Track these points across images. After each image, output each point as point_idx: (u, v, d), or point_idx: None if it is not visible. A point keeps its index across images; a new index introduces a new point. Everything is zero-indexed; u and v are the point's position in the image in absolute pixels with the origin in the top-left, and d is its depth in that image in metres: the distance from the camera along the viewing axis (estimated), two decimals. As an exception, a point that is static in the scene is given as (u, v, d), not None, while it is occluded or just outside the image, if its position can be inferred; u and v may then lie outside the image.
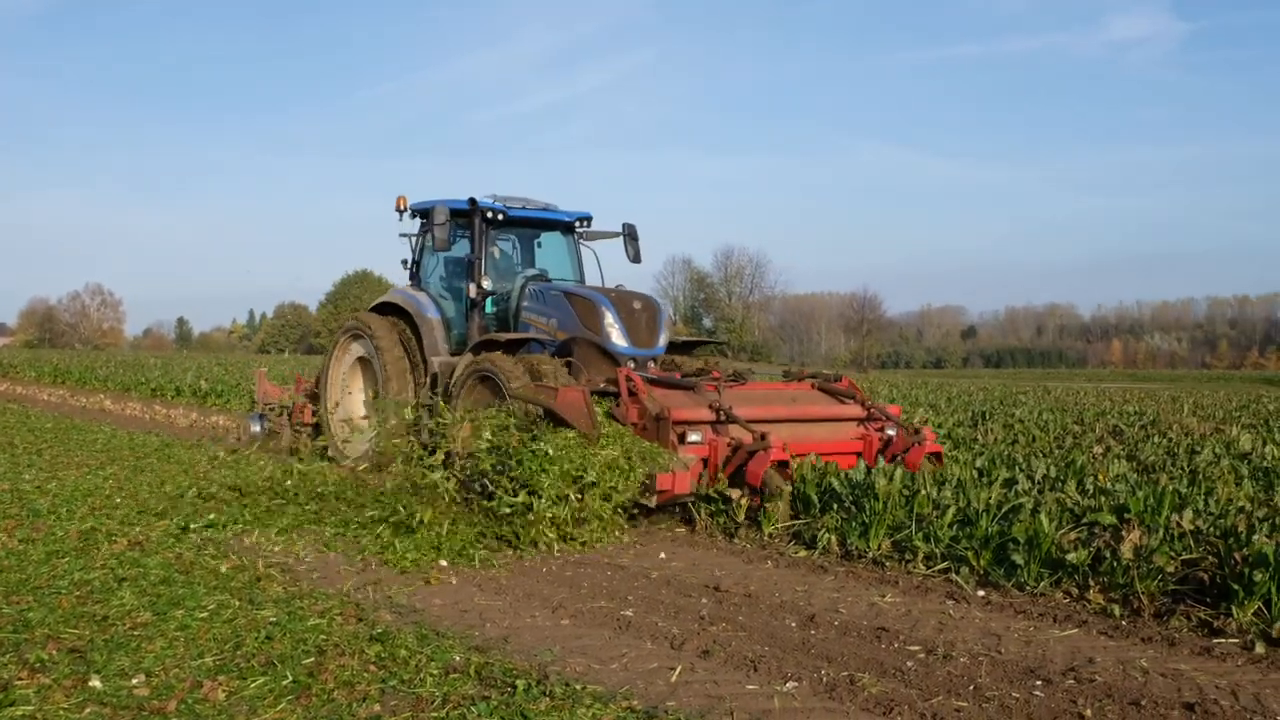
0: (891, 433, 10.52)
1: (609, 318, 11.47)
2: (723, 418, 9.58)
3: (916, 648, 6.05)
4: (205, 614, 6.32)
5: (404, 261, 13.72)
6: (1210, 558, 7.00)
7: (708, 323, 78.35)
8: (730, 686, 5.34)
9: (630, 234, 13.55)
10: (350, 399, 13.76)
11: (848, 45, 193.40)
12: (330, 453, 13.29)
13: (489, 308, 12.76)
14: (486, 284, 12.47)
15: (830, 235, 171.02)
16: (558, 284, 12.35)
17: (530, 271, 12.77)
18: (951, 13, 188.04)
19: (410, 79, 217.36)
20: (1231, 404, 28.87)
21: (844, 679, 5.47)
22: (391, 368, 12.71)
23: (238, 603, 6.60)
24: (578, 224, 13.51)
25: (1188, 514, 7.54)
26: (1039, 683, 5.45)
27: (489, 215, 12.48)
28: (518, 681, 5.19)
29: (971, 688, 5.35)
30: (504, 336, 11.54)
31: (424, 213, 13.34)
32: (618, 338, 11.46)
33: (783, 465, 9.29)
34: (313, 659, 5.52)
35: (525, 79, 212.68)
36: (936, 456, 10.34)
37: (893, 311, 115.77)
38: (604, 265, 13.46)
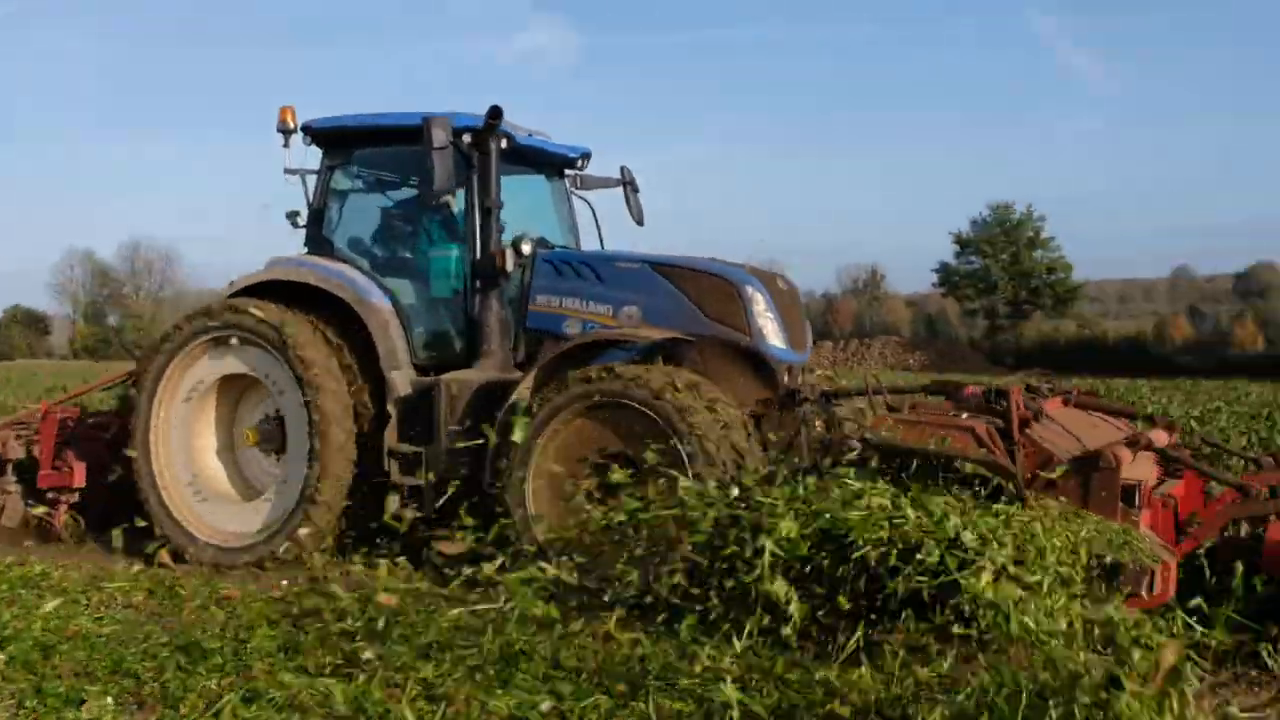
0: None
1: (760, 305, 7.29)
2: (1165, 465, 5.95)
3: None
4: None
5: (291, 215, 8.41)
6: None
7: (113, 320, 70.46)
8: None
9: (631, 183, 9.25)
10: (197, 450, 8.18)
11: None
12: (171, 544, 7.83)
13: (444, 287, 7.96)
14: (525, 247, 7.68)
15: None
16: (624, 253, 7.86)
17: (529, 234, 8.01)
18: None
19: None
20: None
21: None
22: (328, 395, 7.54)
23: None
24: (580, 161, 8.97)
25: None
26: None
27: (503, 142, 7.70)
28: None
29: None
30: (610, 334, 7.12)
31: (336, 135, 8.20)
32: (774, 336, 7.34)
33: None
34: None
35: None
36: None
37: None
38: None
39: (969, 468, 5.32)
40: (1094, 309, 65.73)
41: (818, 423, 7.41)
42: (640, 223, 9.18)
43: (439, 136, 7.27)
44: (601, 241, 8.89)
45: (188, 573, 7.48)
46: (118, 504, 8.33)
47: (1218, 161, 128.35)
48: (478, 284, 7.67)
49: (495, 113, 7.44)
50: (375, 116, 8.05)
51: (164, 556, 7.76)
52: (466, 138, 7.55)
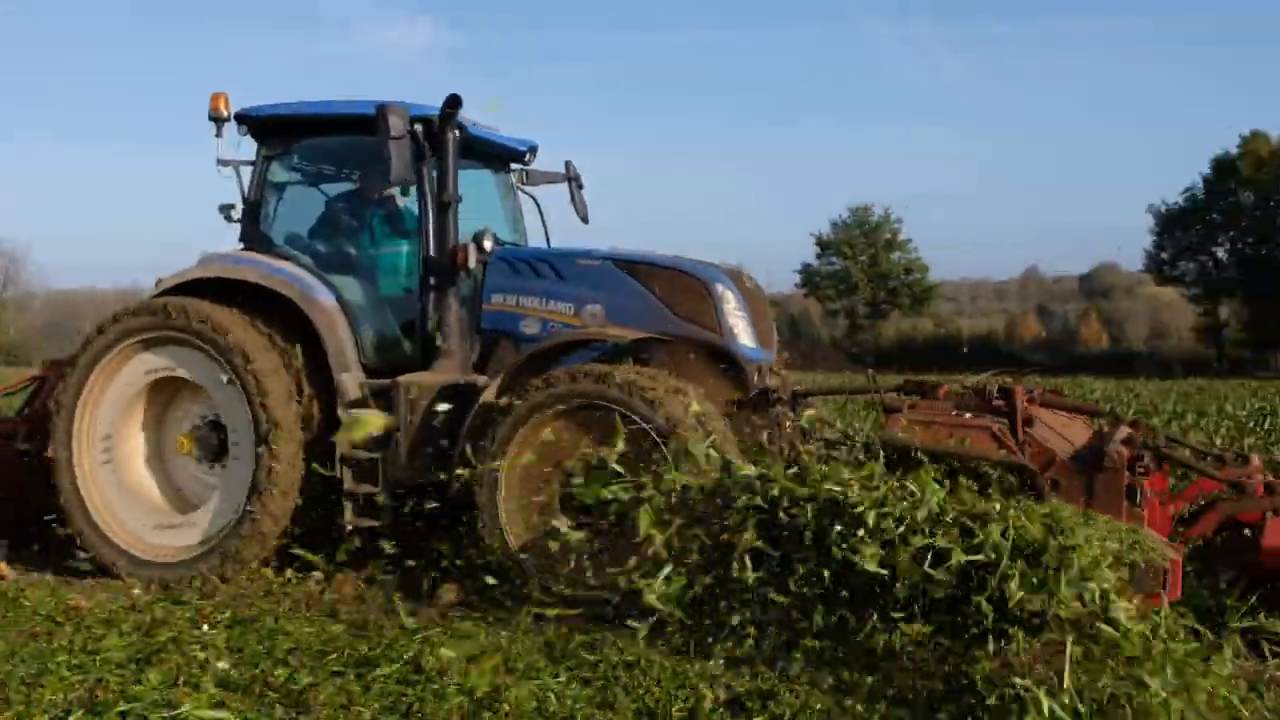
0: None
1: (731, 303, 7.12)
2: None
3: None
4: None
5: (225, 208, 7.89)
6: None
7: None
8: None
9: (576, 179, 8.98)
10: (124, 456, 7.61)
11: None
12: (94, 556, 7.30)
13: (394, 285, 7.64)
14: (488, 243, 7.35)
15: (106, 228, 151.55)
16: (585, 250, 7.56)
17: (489, 229, 7.68)
18: None
19: None
20: None
21: None
22: (278, 404, 7.09)
23: None
24: (527, 155, 8.64)
25: None
26: None
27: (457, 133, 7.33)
28: None
29: None
30: (588, 334, 6.86)
31: (274, 124, 7.75)
32: (745, 335, 7.18)
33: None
34: None
35: None
36: None
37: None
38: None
39: (986, 468, 5.23)
40: (949, 308, 67.73)
41: (788, 423, 7.34)
42: (585, 220, 8.94)
43: (396, 125, 6.89)
44: (548, 239, 8.62)
45: (33, 583, 7.13)
46: (28, 513, 7.76)
47: (1064, 167, 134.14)
48: (433, 281, 7.31)
49: (454, 101, 7.09)
50: (317, 105, 7.61)
51: (3, 569, 7.34)
52: (418, 127, 7.21)
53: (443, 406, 6.96)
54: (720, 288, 7.08)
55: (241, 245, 7.83)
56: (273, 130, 7.75)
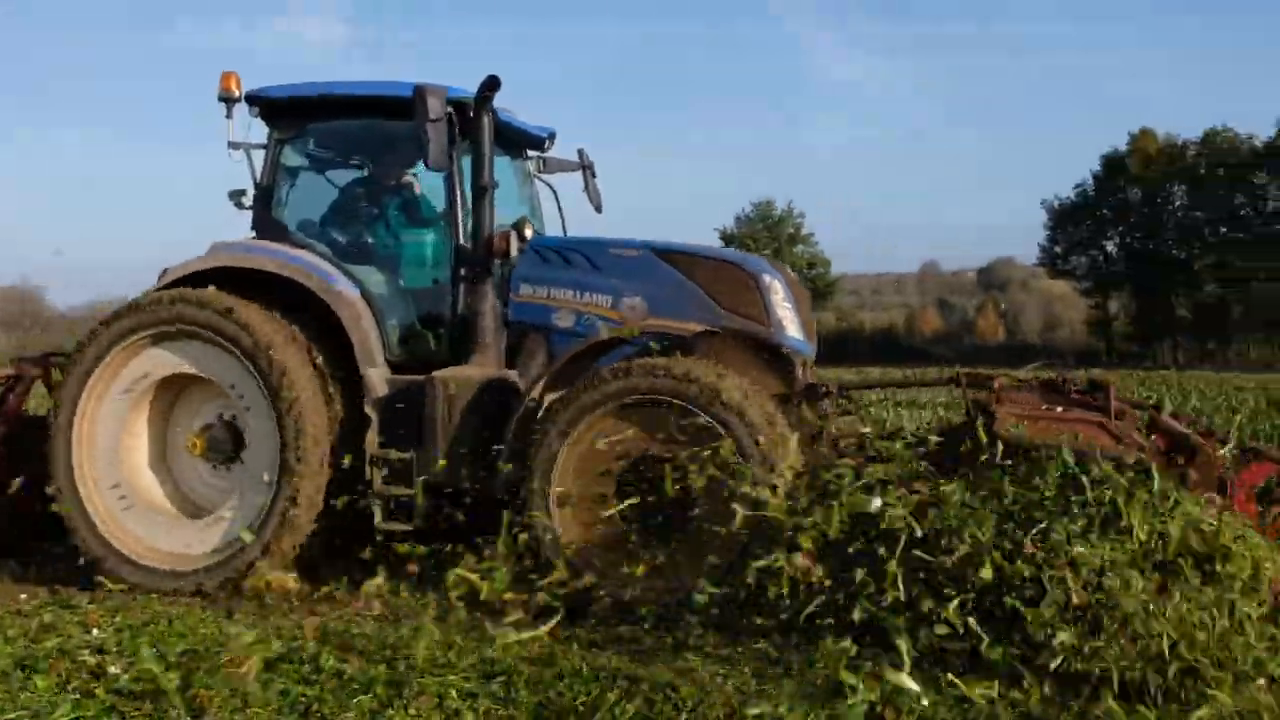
0: None
1: (779, 294, 6.92)
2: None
3: None
4: None
5: (235, 194, 7.42)
6: None
7: None
8: None
9: (590, 167, 8.69)
10: (128, 457, 7.11)
11: None
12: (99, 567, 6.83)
13: (422, 276, 7.31)
14: (529, 231, 7.03)
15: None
16: (621, 239, 7.27)
17: (528, 217, 7.37)
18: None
19: None
20: None
21: None
22: (308, 407, 6.66)
23: None
24: (546, 143, 8.31)
25: None
26: None
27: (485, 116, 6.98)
28: None
29: None
30: (650, 328, 6.59)
31: (289, 105, 7.32)
32: (793, 327, 6.99)
33: None
34: None
35: None
36: None
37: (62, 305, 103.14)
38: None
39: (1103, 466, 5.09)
40: (851, 301, 68.77)
41: (834, 417, 7.18)
42: (599, 209, 8.65)
43: (435, 107, 6.55)
44: (564, 229, 8.32)
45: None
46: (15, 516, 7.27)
47: (962, 165, 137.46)
48: (466, 272, 6.98)
49: (492, 83, 6.77)
50: (338, 86, 7.20)
51: None
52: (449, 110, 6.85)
53: (483, 403, 6.64)
54: (768, 278, 6.88)
55: (253, 233, 7.37)
56: (286, 112, 7.32)
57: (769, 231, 61.87)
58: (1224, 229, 54.51)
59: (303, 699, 4.65)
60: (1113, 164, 57.78)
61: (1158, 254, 55.78)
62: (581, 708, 4.55)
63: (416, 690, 4.68)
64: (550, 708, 4.57)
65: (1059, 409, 5.69)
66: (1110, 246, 58.86)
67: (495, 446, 6.49)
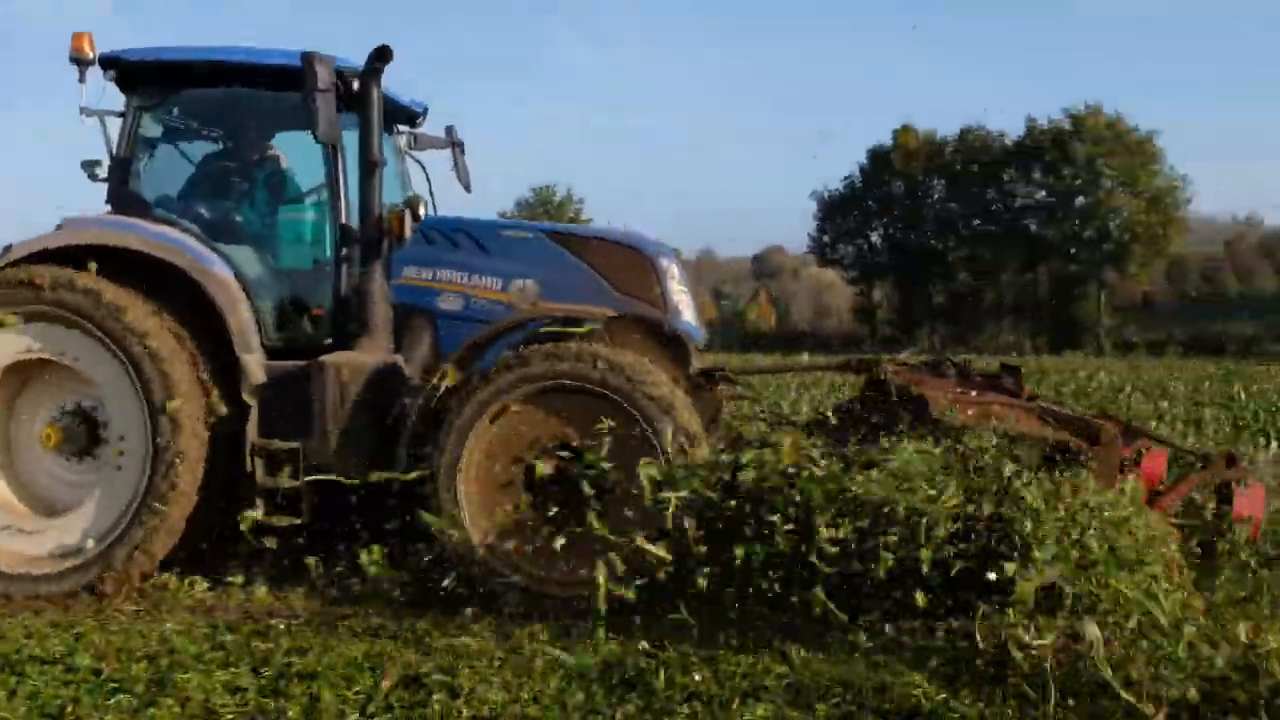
0: None
1: (675, 279, 6.88)
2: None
3: None
4: None
5: (89, 165, 6.79)
6: None
7: None
8: None
9: (460, 144, 8.38)
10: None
11: None
12: None
13: (301, 256, 6.94)
14: (422, 211, 6.72)
15: None
16: (510, 221, 7.06)
17: (419, 195, 7.06)
18: None
19: None
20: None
21: None
22: (182, 397, 6.18)
23: None
24: (420, 118, 7.94)
25: None
26: None
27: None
28: None
29: None
30: (556, 313, 6.38)
31: (150, 70, 6.77)
32: (688, 312, 6.95)
33: None
34: None
35: None
36: None
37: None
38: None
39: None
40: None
41: (727, 402, 7.23)
42: (468, 189, 8.37)
43: (323, 76, 6.20)
44: (434, 208, 8.00)
45: None
46: None
47: (736, 151, 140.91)
48: (350, 252, 6.64)
49: (383, 54, 6.45)
50: (209, 51, 6.71)
51: None
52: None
53: (376, 389, 6.34)
54: (665, 262, 6.84)
55: (109, 208, 6.79)
56: (147, 77, 6.77)
57: (549, 216, 61.80)
58: (977, 222, 57.95)
59: (55, 700, 4.49)
60: (878, 158, 60.45)
61: (918, 245, 58.76)
62: (355, 698, 4.52)
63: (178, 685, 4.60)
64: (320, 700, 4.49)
65: (974, 393, 5.87)
66: (875, 237, 61.58)
67: (390, 434, 6.21)
